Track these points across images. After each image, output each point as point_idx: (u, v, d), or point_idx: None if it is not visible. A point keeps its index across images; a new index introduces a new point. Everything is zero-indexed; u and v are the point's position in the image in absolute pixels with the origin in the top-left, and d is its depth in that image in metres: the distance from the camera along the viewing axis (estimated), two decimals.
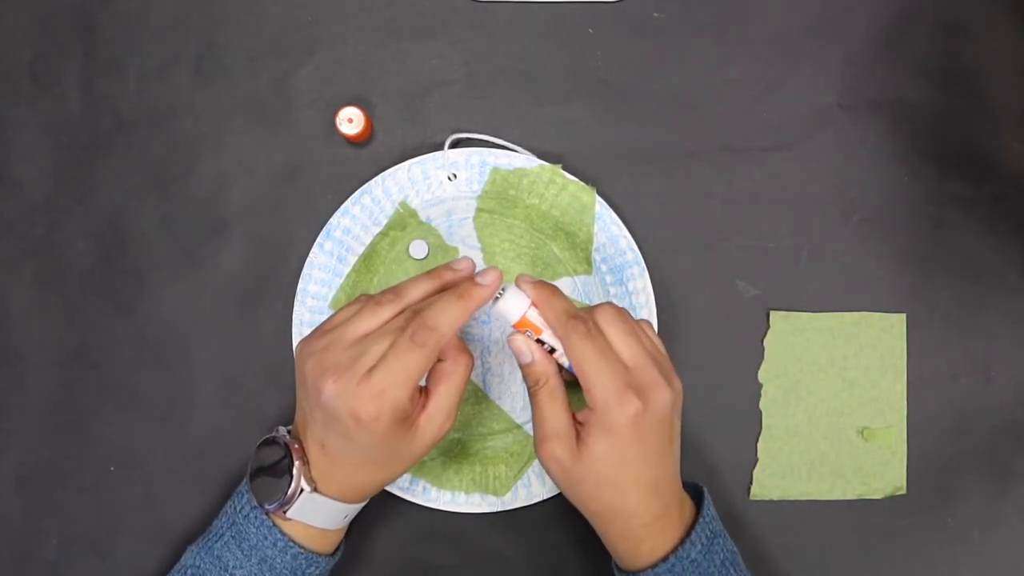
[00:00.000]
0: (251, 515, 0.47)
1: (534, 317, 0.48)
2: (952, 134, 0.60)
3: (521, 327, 0.48)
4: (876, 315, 0.58)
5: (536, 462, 0.56)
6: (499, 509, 0.55)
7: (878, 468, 0.58)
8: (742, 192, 0.59)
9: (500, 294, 0.48)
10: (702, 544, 0.47)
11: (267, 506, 0.47)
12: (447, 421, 0.47)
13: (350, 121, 0.55)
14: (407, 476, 0.55)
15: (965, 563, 0.57)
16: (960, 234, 0.59)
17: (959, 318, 0.59)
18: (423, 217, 0.57)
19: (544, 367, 0.48)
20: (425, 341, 0.44)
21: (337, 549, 0.51)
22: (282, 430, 0.48)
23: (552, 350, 0.48)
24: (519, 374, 0.57)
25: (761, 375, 0.58)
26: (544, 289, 0.48)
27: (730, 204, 0.59)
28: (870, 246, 0.59)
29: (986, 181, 0.59)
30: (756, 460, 0.58)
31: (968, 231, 0.59)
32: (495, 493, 0.55)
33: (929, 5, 0.60)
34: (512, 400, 0.57)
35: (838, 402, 0.58)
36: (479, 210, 0.57)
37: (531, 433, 0.56)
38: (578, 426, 0.47)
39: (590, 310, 0.48)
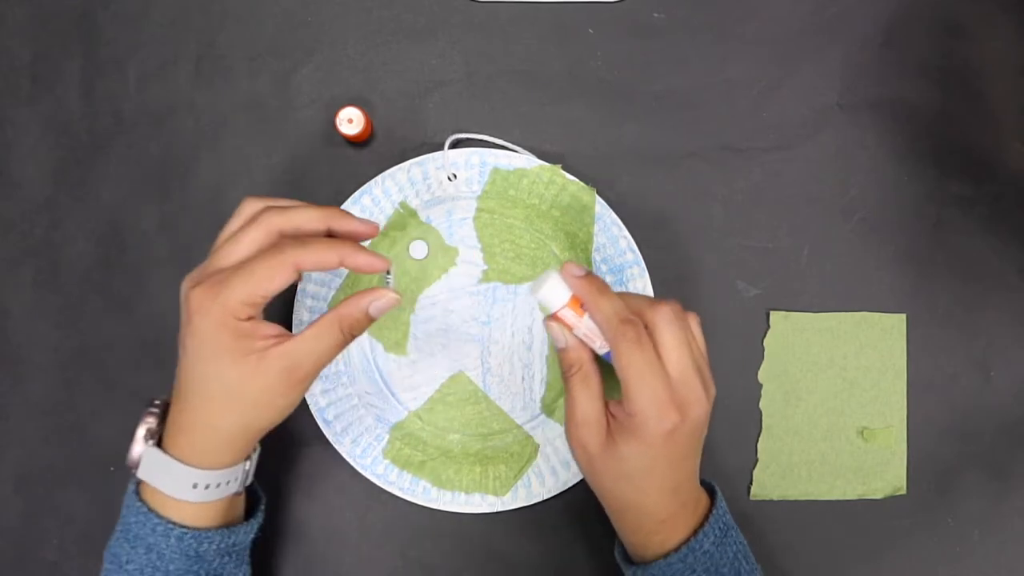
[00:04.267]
0: (131, 504, 0.46)
1: (567, 316, 0.47)
2: (952, 134, 0.60)
3: (555, 320, 0.47)
4: (876, 315, 0.58)
5: (536, 462, 0.56)
6: (499, 509, 0.55)
7: (878, 468, 0.58)
8: (742, 192, 0.59)
9: (540, 283, 0.47)
10: (715, 536, 0.47)
11: (132, 471, 0.46)
12: (297, 375, 0.43)
13: (350, 121, 0.55)
14: (408, 476, 0.55)
15: (965, 563, 0.57)
16: (960, 234, 0.59)
17: (959, 318, 0.59)
18: (423, 217, 0.57)
19: (578, 354, 0.47)
20: (283, 249, 0.42)
21: (240, 520, 0.49)
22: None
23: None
24: (519, 375, 0.57)
25: (761, 375, 0.58)
26: (592, 287, 0.46)
27: (730, 204, 0.59)
28: (870, 246, 0.59)
29: (986, 181, 0.59)
30: (756, 460, 0.58)
31: (968, 231, 0.59)
32: (495, 493, 0.55)
33: (929, 5, 0.60)
34: (512, 400, 0.57)
35: (838, 402, 0.58)
36: (479, 210, 0.57)
37: (530, 433, 0.56)
38: (611, 418, 0.46)
39: (647, 307, 0.46)
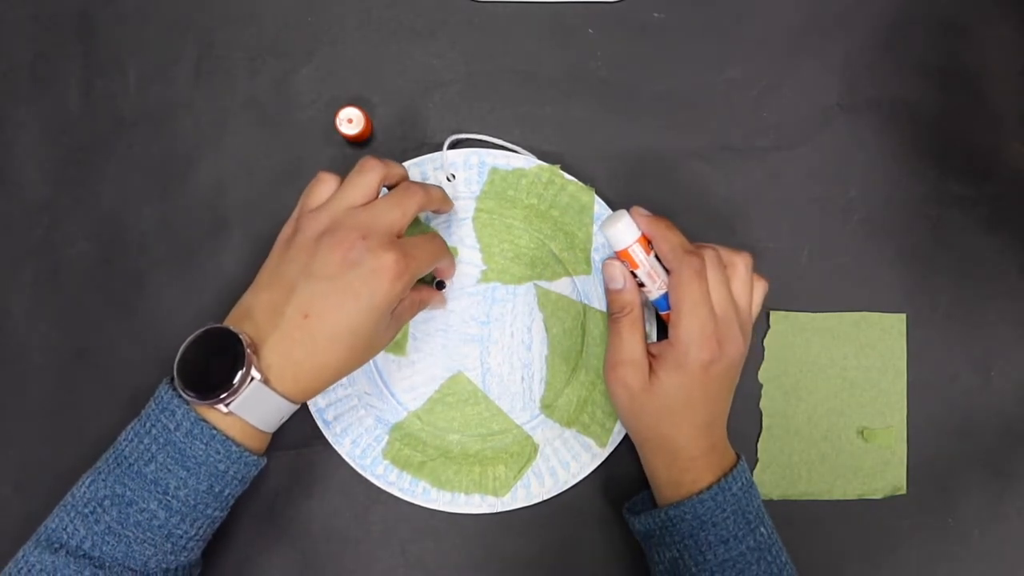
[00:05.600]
0: (198, 433, 0.44)
1: (636, 252, 0.50)
2: (952, 134, 0.60)
3: (621, 257, 0.51)
4: (876, 315, 0.58)
5: (535, 463, 0.56)
6: (499, 510, 0.55)
7: (878, 468, 0.58)
8: (742, 192, 0.59)
9: (612, 221, 0.50)
10: (743, 483, 0.49)
11: (206, 399, 0.44)
12: (399, 327, 0.50)
13: (350, 121, 0.55)
14: (407, 477, 0.55)
15: (965, 563, 0.57)
16: (960, 234, 0.59)
17: (959, 318, 0.59)
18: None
19: (632, 296, 0.51)
20: (442, 244, 0.50)
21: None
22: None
23: (641, 284, 0.51)
24: (518, 375, 0.57)
25: (761, 375, 0.58)
26: (660, 223, 0.50)
27: (730, 204, 0.59)
28: (870, 246, 0.59)
29: (986, 181, 0.59)
30: (756, 460, 0.58)
31: (968, 231, 0.59)
32: (495, 494, 0.55)
33: (929, 5, 0.60)
34: (511, 401, 0.57)
35: (838, 402, 0.58)
36: (478, 210, 0.57)
37: (530, 434, 0.56)
38: (650, 358, 0.50)
39: (697, 248, 0.50)
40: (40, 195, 0.58)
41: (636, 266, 0.51)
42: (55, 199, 0.58)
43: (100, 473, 0.45)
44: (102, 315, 0.58)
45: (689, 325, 0.48)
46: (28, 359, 0.57)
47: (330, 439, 0.55)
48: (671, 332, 0.49)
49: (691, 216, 0.58)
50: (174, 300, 0.58)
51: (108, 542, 0.44)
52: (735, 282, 0.50)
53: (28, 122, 0.59)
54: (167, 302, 0.58)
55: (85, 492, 0.45)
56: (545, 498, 0.55)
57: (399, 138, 0.59)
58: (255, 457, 0.46)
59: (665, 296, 0.51)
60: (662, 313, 0.52)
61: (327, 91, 0.59)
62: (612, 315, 0.52)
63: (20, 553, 0.44)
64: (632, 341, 0.51)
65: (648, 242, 0.51)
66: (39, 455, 0.57)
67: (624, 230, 0.50)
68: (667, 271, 0.51)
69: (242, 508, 0.56)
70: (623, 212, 0.51)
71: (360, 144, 0.58)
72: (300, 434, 0.56)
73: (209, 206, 0.58)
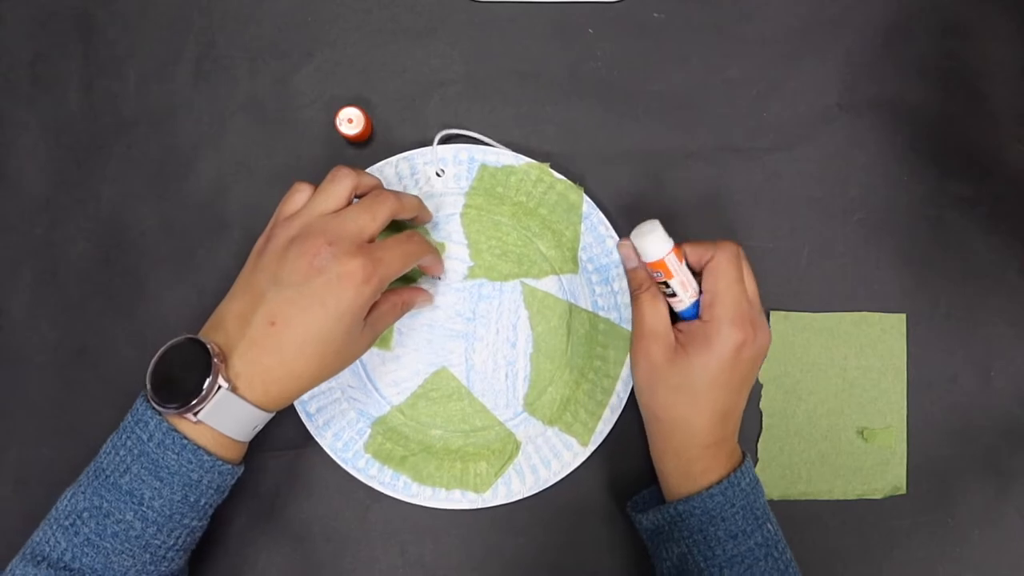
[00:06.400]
0: (170, 443, 0.44)
1: (671, 262, 0.50)
2: (952, 134, 0.60)
3: (655, 267, 0.51)
4: (876, 315, 0.58)
5: (517, 460, 0.56)
6: (479, 506, 0.55)
7: (878, 468, 0.58)
8: (742, 192, 0.59)
9: (647, 231, 0.50)
10: (751, 479, 0.50)
11: (175, 409, 0.44)
12: (376, 334, 0.50)
13: (350, 121, 0.55)
14: (389, 472, 0.55)
15: (965, 563, 0.57)
16: (960, 234, 0.59)
17: (959, 318, 0.59)
18: None
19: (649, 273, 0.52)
20: (420, 244, 0.50)
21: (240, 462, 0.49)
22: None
23: (673, 294, 0.51)
24: (502, 372, 0.57)
25: (761, 375, 0.58)
26: None
27: (730, 204, 0.59)
28: (870, 246, 0.59)
29: (986, 181, 0.59)
30: (756, 460, 0.58)
31: (968, 231, 0.59)
32: (476, 490, 0.55)
33: (929, 5, 0.60)
34: (494, 397, 0.57)
35: (838, 402, 0.58)
36: (466, 206, 0.57)
37: (512, 431, 0.56)
38: (678, 333, 0.51)
39: (718, 244, 0.51)
40: (40, 195, 0.58)
41: (671, 276, 0.50)
42: (55, 199, 0.58)
43: (80, 486, 0.46)
44: (102, 315, 0.58)
45: (725, 303, 0.49)
46: (28, 359, 0.57)
47: (312, 432, 0.55)
48: (704, 312, 0.50)
49: (691, 216, 0.58)
50: (174, 300, 0.58)
51: (87, 554, 0.44)
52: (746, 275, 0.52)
53: (28, 122, 0.59)
54: (167, 302, 0.58)
55: (66, 505, 0.45)
56: (525, 495, 0.55)
57: (399, 138, 0.59)
58: (229, 466, 0.46)
59: (694, 305, 0.51)
60: None
61: (327, 91, 0.59)
62: (633, 292, 0.53)
63: (8, 567, 0.45)
64: (654, 314, 0.51)
65: (679, 252, 0.51)
66: (39, 455, 0.57)
67: (659, 241, 0.50)
68: (695, 276, 0.51)
69: (242, 508, 0.56)
70: (655, 222, 0.50)
71: (360, 144, 0.58)
72: (300, 434, 0.56)
73: (209, 206, 0.58)
